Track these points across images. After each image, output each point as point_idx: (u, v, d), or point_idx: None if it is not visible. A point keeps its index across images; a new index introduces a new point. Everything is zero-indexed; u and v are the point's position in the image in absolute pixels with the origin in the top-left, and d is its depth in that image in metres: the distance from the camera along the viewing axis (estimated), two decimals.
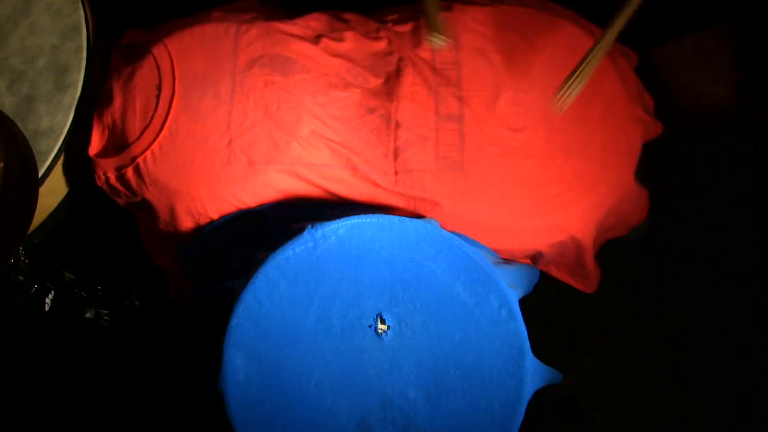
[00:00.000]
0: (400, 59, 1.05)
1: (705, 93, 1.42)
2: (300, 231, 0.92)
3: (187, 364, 1.32)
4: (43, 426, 1.32)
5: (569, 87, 0.95)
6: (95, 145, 1.07)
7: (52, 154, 1.08)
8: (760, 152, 1.51)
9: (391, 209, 1.02)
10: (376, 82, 1.05)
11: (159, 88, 1.03)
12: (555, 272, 1.14)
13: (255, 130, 1.00)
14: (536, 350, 0.91)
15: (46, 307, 1.20)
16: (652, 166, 1.16)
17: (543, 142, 1.02)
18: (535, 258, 1.09)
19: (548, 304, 1.29)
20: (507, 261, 1.07)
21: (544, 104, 1.03)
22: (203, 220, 1.04)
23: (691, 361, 1.43)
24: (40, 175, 1.05)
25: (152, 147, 1.00)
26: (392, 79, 1.04)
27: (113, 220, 1.27)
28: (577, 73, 0.95)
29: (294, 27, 1.07)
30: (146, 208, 1.07)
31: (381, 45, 1.07)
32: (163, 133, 1.00)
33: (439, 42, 0.98)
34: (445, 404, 0.89)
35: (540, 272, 1.14)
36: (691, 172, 1.51)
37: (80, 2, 1.14)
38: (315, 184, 1.02)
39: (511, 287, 0.92)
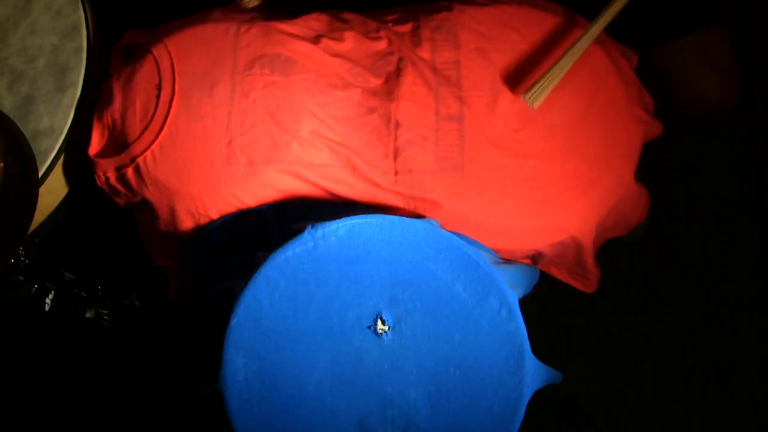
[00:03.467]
0: (400, 59, 1.05)
1: (705, 93, 1.42)
2: (300, 231, 0.92)
3: (187, 364, 1.32)
4: (43, 426, 1.32)
5: (543, 83, 0.97)
6: (95, 145, 1.07)
7: (52, 154, 1.08)
8: (760, 152, 1.51)
9: (391, 209, 1.02)
10: (376, 82, 1.05)
11: (159, 88, 1.03)
12: (555, 272, 1.14)
13: (255, 130, 1.00)
14: (536, 350, 0.91)
15: (46, 307, 1.20)
16: (652, 166, 1.16)
17: (543, 142, 1.02)
18: (535, 258, 1.09)
19: (548, 304, 1.29)
20: (507, 261, 1.07)
21: (544, 104, 1.03)
22: (203, 220, 1.04)
23: (692, 361, 1.43)
24: (40, 175, 1.05)
25: (152, 147, 1.00)
26: (392, 79, 1.04)
27: (113, 220, 1.27)
28: (552, 70, 0.97)
29: (294, 27, 1.07)
30: (146, 208, 1.07)
31: (381, 45, 1.07)
32: (163, 133, 1.00)
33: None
34: (445, 404, 0.89)
35: (540, 272, 1.14)
36: (691, 172, 1.51)
37: (80, 2, 1.14)
38: (315, 184, 1.02)
39: (511, 287, 0.92)
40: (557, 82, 1.00)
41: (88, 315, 1.23)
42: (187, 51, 1.04)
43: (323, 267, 0.91)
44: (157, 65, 1.03)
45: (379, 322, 0.90)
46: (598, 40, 1.07)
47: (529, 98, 0.98)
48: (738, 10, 1.48)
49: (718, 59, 1.40)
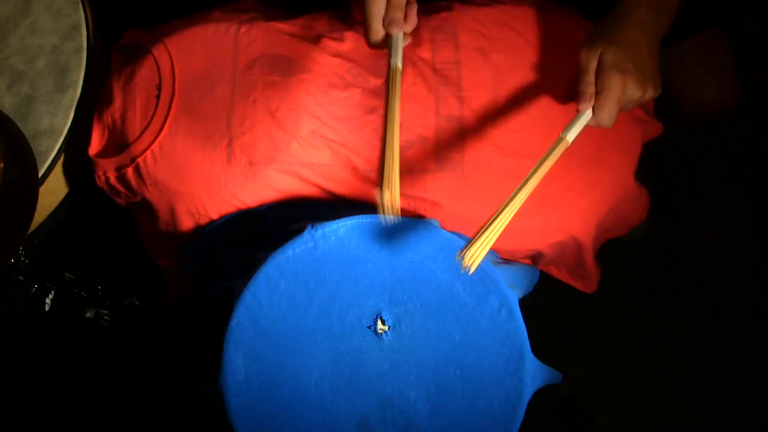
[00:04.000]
0: None
1: (705, 93, 1.42)
2: (300, 231, 0.92)
3: (187, 364, 1.32)
4: (43, 426, 1.32)
5: (480, 246, 0.79)
6: (95, 145, 1.07)
7: (52, 154, 1.08)
8: (760, 152, 1.51)
9: None
10: (376, 82, 1.05)
11: (159, 88, 1.03)
12: (555, 272, 1.14)
13: (255, 130, 1.00)
14: (536, 350, 0.91)
15: (46, 307, 1.20)
16: (652, 166, 1.16)
17: (543, 142, 1.02)
18: (535, 258, 1.08)
19: (548, 304, 1.29)
20: (507, 261, 1.07)
21: (544, 104, 1.03)
22: (203, 220, 1.04)
23: (691, 361, 1.43)
24: (40, 175, 1.05)
25: (152, 147, 1.00)
26: None
27: (113, 220, 1.27)
28: (487, 232, 0.81)
29: (294, 27, 1.07)
30: (146, 208, 1.07)
31: None
32: (163, 133, 1.00)
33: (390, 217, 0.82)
34: (445, 404, 0.89)
35: (540, 272, 1.14)
36: (691, 172, 1.51)
37: (80, 2, 1.14)
38: (315, 184, 1.02)
39: (511, 287, 0.92)
40: (493, 243, 0.82)
41: (88, 315, 1.23)
42: (187, 51, 1.04)
43: (323, 267, 0.91)
44: (157, 65, 1.03)
45: (379, 322, 0.90)
46: None
47: (464, 263, 0.78)
48: (738, 10, 1.48)
49: (718, 61, 1.40)
